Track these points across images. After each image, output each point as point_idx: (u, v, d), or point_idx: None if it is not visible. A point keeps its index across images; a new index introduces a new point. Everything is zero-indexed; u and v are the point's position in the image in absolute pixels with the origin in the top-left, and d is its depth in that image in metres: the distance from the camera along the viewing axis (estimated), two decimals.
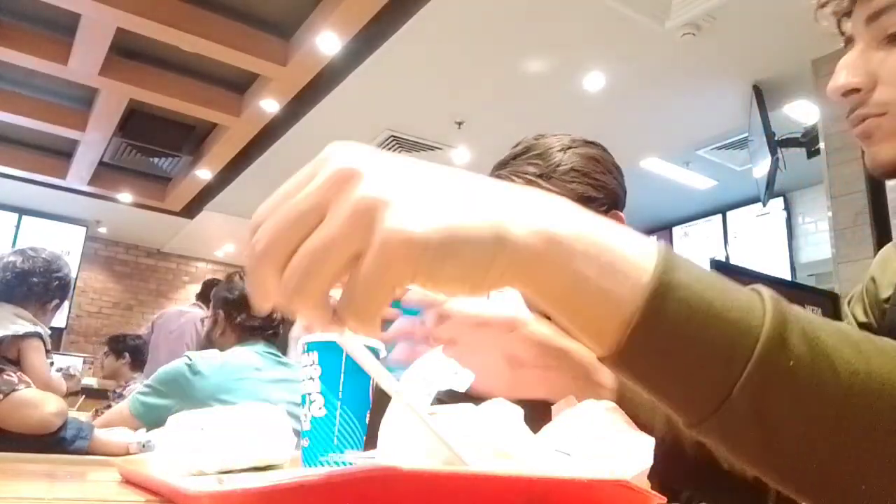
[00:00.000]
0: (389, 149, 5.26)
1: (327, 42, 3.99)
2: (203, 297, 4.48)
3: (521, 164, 0.93)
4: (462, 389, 0.57)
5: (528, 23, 3.70)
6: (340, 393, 0.63)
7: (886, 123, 0.61)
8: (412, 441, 0.53)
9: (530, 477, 0.46)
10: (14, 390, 1.78)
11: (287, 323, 2.21)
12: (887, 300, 0.76)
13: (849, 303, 0.83)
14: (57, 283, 2.11)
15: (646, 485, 0.51)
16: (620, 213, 1.02)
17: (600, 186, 0.97)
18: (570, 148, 0.95)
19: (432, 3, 3.53)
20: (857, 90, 0.62)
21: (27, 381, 1.84)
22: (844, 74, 0.62)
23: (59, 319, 7.44)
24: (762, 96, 4.13)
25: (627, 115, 4.50)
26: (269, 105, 4.78)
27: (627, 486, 0.46)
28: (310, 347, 0.64)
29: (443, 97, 4.56)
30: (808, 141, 4.09)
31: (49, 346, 2.07)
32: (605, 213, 0.99)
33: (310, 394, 0.62)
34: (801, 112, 4.37)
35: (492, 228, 0.34)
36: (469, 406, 0.56)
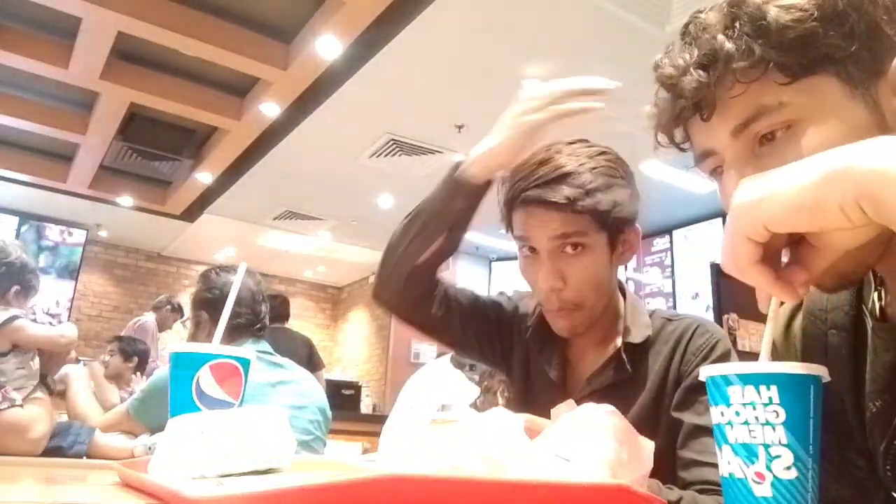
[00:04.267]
0: (389, 152, 5.27)
1: (328, 46, 4.00)
2: (155, 308, 5.23)
3: (558, 189, 0.93)
4: (467, 404, 0.57)
5: (528, 26, 3.71)
6: (811, 447, 0.48)
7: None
8: (413, 447, 0.52)
9: (532, 482, 0.46)
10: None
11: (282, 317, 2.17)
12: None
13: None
14: (4, 269, 2.00)
15: (646, 488, 0.51)
16: (638, 227, 1.04)
17: (624, 199, 0.99)
18: (595, 167, 0.97)
19: (432, 7, 3.53)
20: None
21: (11, 398, 1.77)
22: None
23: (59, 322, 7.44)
24: None
25: (627, 118, 4.50)
26: (270, 109, 4.78)
27: (629, 491, 0.46)
28: (758, 379, 0.47)
29: (443, 101, 4.56)
30: None
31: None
32: (627, 226, 1.00)
33: (768, 445, 0.46)
34: None
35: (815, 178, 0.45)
36: (470, 414, 0.56)
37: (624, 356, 0.97)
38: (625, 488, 0.47)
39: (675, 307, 6.70)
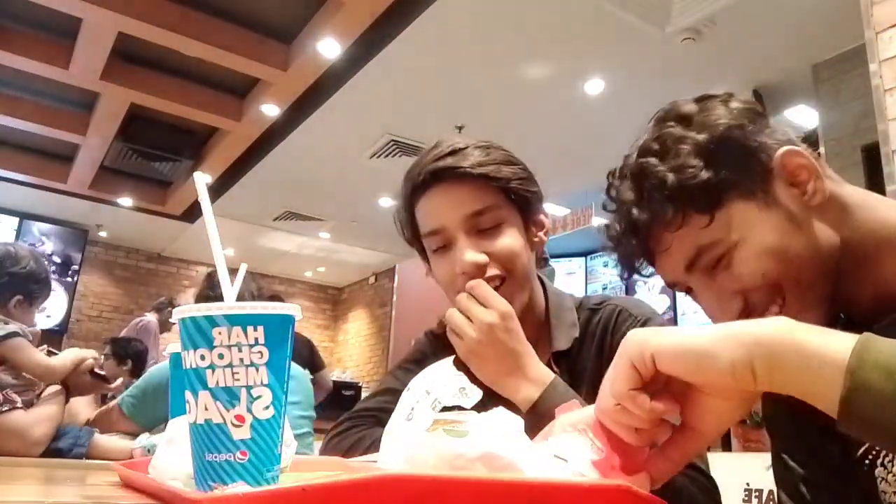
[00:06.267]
0: (389, 152, 5.27)
1: (328, 47, 4.00)
2: (157, 309, 5.19)
3: (460, 158, 0.91)
4: (469, 406, 0.57)
5: (528, 27, 3.71)
6: (286, 384, 0.49)
7: (790, 305, 0.69)
8: (414, 447, 0.52)
9: (531, 482, 0.45)
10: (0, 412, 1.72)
11: None
12: None
13: None
14: (7, 278, 1.95)
15: (647, 488, 0.51)
16: (546, 211, 1.02)
17: (526, 175, 0.96)
18: (485, 146, 0.94)
19: (432, 8, 3.54)
20: (743, 309, 0.71)
21: (12, 399, 1.76)
22: (724, 314, 0.71)
23: (60, 323, 7.44)
24: (762, 101, 4.13)
25: (627, 119, 4.50)
26: (270, 109, 4.78)
27: (629, 491, 0.46)
28: (248, 320, 0.47)
29: (443, 101, 4.56)
30: (807, 145, 4.10)
31: (30, 338, 1.92)
32: (536, 206, 0.97)
33: (250, 387, 0.46)
34: (801, 116, 4.38)
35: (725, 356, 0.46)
36: (472, 414, 0.56)
37: (555, 367, 0.92)
38: (625, 488, 0.47)
39: (674, 307, 6.71)
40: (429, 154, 0.94)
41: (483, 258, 0.89)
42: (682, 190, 0.69)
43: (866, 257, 0.70)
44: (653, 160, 0.72)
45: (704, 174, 0.69)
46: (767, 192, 0.70)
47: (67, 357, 1.97)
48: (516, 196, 0.92)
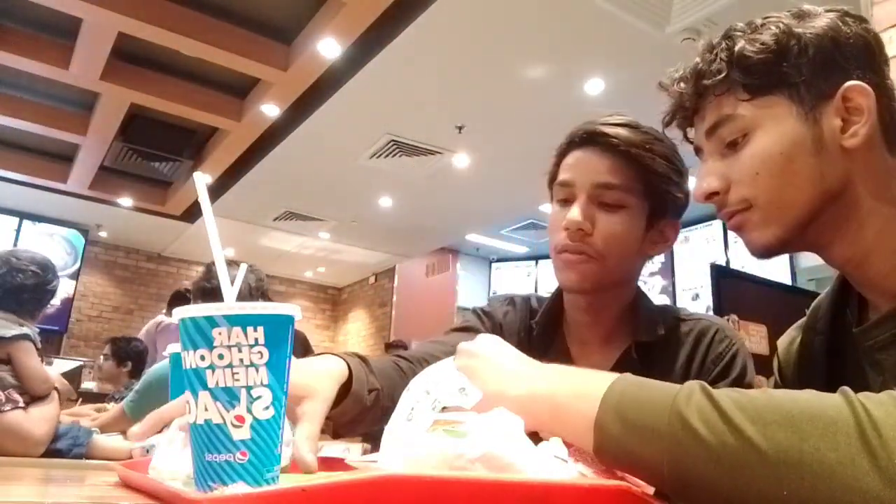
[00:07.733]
0: (389, 153, 5.27)
1: (328, 47, 4.00)
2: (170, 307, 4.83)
3: (620, 131, 0.94)
4: (469, 407, 0.57)
5: (528, 28, 3.71)
6: (286, 385, 0.49)
7: (753, 215, 0.71)
8: (414, 448, 0.52)
9: (532, 482, 0.45)
10: (1, 412, 1.73)
11: None
12: None
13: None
14: (48, 293, 2.07)
15: (647, 489, 0.51)
16: (678, 224, 1.01)
17: (676, 179, 0.98)
18: (662, 139, 0.97)
19: (433, 8, 3.54)
20: (717, 193, 0.74)
21: (14, 399, 1.79)
22: (704, 183, 0.75)
23: (60, 323, 7.45)
24: None
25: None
26: (270, 109, 4.78)
27: (629, 491, 0.46)
28: (248, 320, 0.46)
29: (443, 102, 4.56)
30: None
31: (39, 346, 2.00)
32: (669, 214, 0.98)
33: (250, 387, 0.46)
34: None
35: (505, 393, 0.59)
36: (472, 415, 0.56)
37: (635, 356, 0.94)
38: (625, 488, 0.47)
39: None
40: (601, 117, 0.97)
41: (587, 225, 0.91)
42: (743, 59, 0.71)
43: (861, 222, 0.69)
44: (742, 26, 0.74)
45: (768, 56, 0.70)
46: (814, 109, 0.69)
47: (61, 383, 2.06)
48: (652, 189, 0.93)
